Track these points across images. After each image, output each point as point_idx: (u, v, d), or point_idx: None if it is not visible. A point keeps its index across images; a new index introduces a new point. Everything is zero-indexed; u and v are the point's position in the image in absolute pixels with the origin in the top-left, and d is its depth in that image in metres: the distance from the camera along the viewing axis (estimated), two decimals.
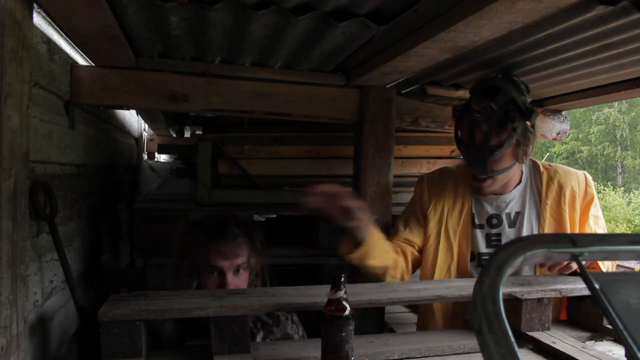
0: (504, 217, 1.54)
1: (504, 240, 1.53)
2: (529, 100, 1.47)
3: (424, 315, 1.60)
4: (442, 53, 1.35)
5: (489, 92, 1.44)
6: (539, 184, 1.56)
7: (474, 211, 1.55)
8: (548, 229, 1.52)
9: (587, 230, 1.53)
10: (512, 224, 1.54)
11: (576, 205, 1.53)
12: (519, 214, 1.54)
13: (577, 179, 1.56)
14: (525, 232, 1.53)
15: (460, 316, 1.55)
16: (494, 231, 1.54)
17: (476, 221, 1.55)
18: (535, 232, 1.53)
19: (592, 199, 1.56)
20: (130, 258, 2.83)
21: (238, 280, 1.50)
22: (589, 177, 1.59)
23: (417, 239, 1.56)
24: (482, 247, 1.53)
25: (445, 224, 1.55)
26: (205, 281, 1.50)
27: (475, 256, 1.54)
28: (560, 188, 1.53)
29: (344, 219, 1.42)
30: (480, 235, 1.54)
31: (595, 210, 1.56)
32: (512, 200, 1.55)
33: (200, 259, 1.49)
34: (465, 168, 1.54)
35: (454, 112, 1.61)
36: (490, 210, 1.55)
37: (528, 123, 1.43)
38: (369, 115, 1.86)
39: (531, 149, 1.49)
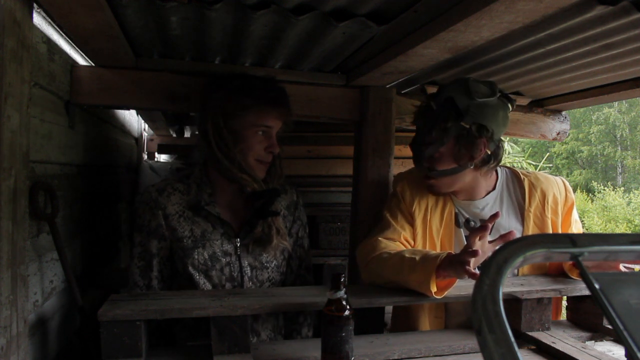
0: (478, 222, 1.51)
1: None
2: (486, 102, 1.41)
3: (409, 317, 1.57)
4: (442, 53, 1.35)
5: (436, 92, 1.48)
6: (519, 191, 1.55)
7: (456, 210, 1.53)
8: None
9: None
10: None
11: (559, 211, 1.53)
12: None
13: (557, 185, 1.56)
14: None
15: (442, 318, 1.54)
16: None
17: (460, 220, 1.53)
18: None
19: (573, 204, 1.57)
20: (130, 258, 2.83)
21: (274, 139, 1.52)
22: (567, 183, 1.60)
23: (410, 239, 1.53)
24: None
25: (429, 222, 1.52)
26: (250, 143, 1.47)
27: None
28: (544, 195, 1.53)
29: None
30: (463, 235, 1.52)
31: (574, 215, 1.57)
32: (486, 207, 1.52)
33: (251, 118, 1.46)
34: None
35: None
36: (466, 214, 1.53)
37: (464, 125, 1.39)
38: (369, 115, 1.86)
39: (480, 155, 1.43)
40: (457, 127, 1.40)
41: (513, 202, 1.54)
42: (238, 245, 1.51)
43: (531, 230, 1.52)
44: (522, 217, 1.52)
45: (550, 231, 1.52)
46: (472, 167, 1.46)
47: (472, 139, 1.41)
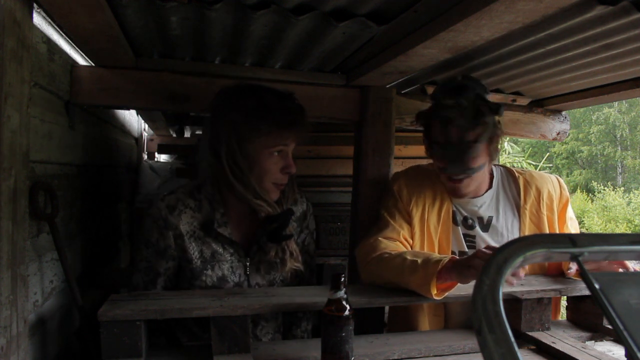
0: (476, 220, 1.53)
1: (478, 243, 1.52)
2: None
3: (409, 316, 1.57)
4: (442, 53, 1.35)
5: (457, 90, 1.45)
6: (514, 189, 1.56)
7: (454, 208, 1.54)
8: (529, 233, 1.52)
9: (567, 232, 1.54)
10: (485, 228, 1.53)
11: (554, 208, 1.55)
12: (492, 219, 1.53)
13: (552, 182, 1.58)
14: (499, 237, 1.52)
15: (441, 316, 1.55)
16: (470, 232, 1.53)
17: (457, 218, 1.54)
18: (512, 236, 1.53)
19: (567, 201, 1.58)
20: (130, 258, 2.83)
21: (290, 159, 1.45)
22: (561, 180, 1.61)
23: (409, 237, 1.54)
24: (463, 246, 1.52)
25: (427, 221, 1.52)
26: (266, 166, 1.40)
27: (456, 254, 1.51)
28: (539, 192, 1.54)
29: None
30: (461, 233, 1.53)
31: (570, 212, 1.58)
32: (484, 205, 1.54)
33: (267, 142, 1.38)
34: (439, 170, 1.51)
35: (419, 117, 1.55)
36: (464, 212, 1.54)
37: (497, 118, 1.43)
38: (369, 115, 1.86)
39: (499, 146, 1.50)
40: (493, 121, 1.43)
41: (509, 200, 1.56)
42: (248, 265, 1.48)
43: (527, 227, 1.53)
44: (518, 215, 1.54)
45: (547, 228, 1.53)
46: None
47: (498, 132, 1.45)
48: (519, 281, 1.26)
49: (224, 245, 1.46)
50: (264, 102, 1.38)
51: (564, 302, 1.62)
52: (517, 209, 1.54)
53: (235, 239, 1.46)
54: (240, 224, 1.49)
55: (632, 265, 1.35)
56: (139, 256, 1.46)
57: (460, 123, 1.42)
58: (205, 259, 1.44)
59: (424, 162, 2.28)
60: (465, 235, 1.53)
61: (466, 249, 1.52)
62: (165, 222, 1.42)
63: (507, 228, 1.53)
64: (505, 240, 1.50)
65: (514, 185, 1.56)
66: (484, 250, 1.22)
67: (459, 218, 1.54)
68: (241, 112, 1.37)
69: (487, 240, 1.51)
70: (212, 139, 1.45)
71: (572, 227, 1.58)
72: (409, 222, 1.53)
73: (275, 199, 1.47)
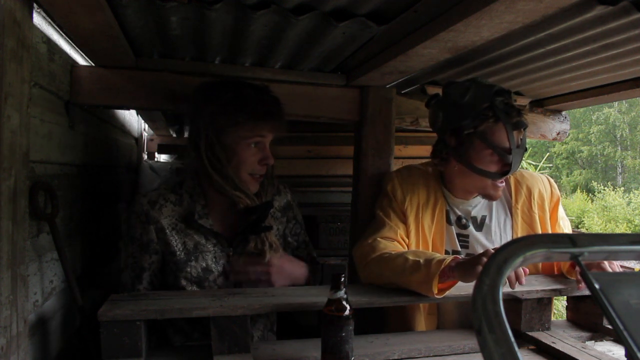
0: (470, 220, 1.54)
1: (471, 242, 1.53)
2: None
3: (405, 315, 1.58)
4: (442, 53, 1.35)
5: (507, 92, 1.43)
6: (506, 189, 1.56)
7: (447, 208, 1.55)
8: (521, 232, 1.53)
9: (558, 232, 1.55)
10: (478, 228, 1.54)
11: (545, 207, 1.55)
12: (486, 218, 1.55)
13: (542, 181, 1.59)
14: (493, 236, 1.53)
15: (435, 314, 1.56)
16: (463, 232, 1.54)
17: (451, 218, 1.55)
18: (505, 235, 1.54)
19: (558, 200, 1.59)
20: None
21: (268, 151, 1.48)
22: (552, 180, 1.62)
23: (405, 237, 1.54)
24: (457, 245, 1.54)
25: (421, 220, 1.53)
26: (243, 156, 1.43)
27: (449, 254, 1.52)
28: (529, 191, 1.55)
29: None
30: (454, 233, 1.54)
31: (561, 212, 1.59)
32: (478, 205, 1.55)
33: (244, 132, 1.41)
34: (488, 175, 1.45)
35: (469, 120, 1.41)
36: (458, 212, 1.56)
37: None
38: (369, 115, 1.86)
39: None
40: None
41: (501, 200, 1.57)
42: (231, 255, 1.50)
43: (520, 226, 1.54)
44: (510, 214, 1.55)
45: (539, 227, 1.54)
46: None
47: None
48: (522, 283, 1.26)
49: (206, 237, 1.48)
50: (240, 94, 1.42)
51: (563, 302, 1.62)
52: (509, 208, 1.56)
53: (217, 230, 1.49)
54: (223, 216, 1.51)
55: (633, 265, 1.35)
56: (127, 253, 1.49)
57: (524, 125, 1.43)
58: (189, 250, 1.46)
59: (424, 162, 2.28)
60: (458, 235, 1.54)
61: (459, 249, 1.53)
62: (146, 217, 1.45)
63: (500, 227, 1.54)
64: (498, 240, 1.51)
65: (505, 185, 1.56)
66: (492, 250, 1.22)
67: (453, 217, 1.55)
68: (219, 104, 1.41)
69: (481, 239, 1.52)
70: (191, 132, 1.49)
71: (565, 227, 1.58)
72: (404, 222, 1.54)
73: (255, 191, 1.49)
